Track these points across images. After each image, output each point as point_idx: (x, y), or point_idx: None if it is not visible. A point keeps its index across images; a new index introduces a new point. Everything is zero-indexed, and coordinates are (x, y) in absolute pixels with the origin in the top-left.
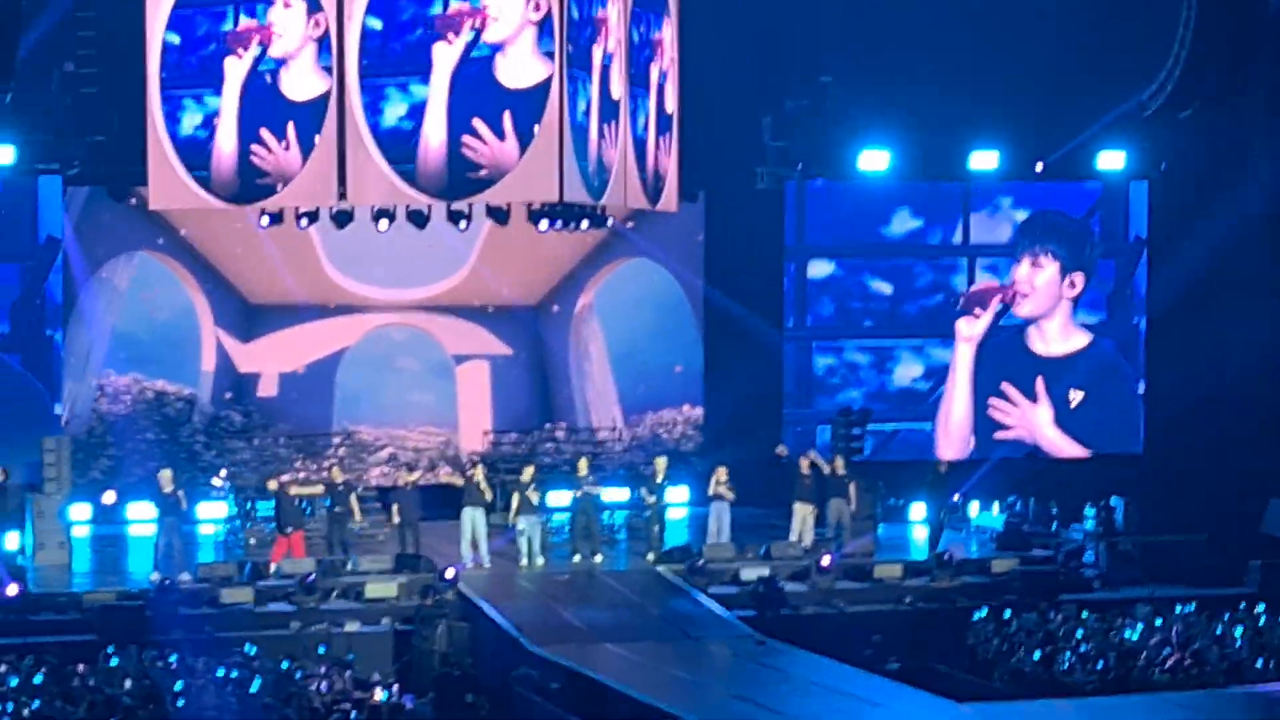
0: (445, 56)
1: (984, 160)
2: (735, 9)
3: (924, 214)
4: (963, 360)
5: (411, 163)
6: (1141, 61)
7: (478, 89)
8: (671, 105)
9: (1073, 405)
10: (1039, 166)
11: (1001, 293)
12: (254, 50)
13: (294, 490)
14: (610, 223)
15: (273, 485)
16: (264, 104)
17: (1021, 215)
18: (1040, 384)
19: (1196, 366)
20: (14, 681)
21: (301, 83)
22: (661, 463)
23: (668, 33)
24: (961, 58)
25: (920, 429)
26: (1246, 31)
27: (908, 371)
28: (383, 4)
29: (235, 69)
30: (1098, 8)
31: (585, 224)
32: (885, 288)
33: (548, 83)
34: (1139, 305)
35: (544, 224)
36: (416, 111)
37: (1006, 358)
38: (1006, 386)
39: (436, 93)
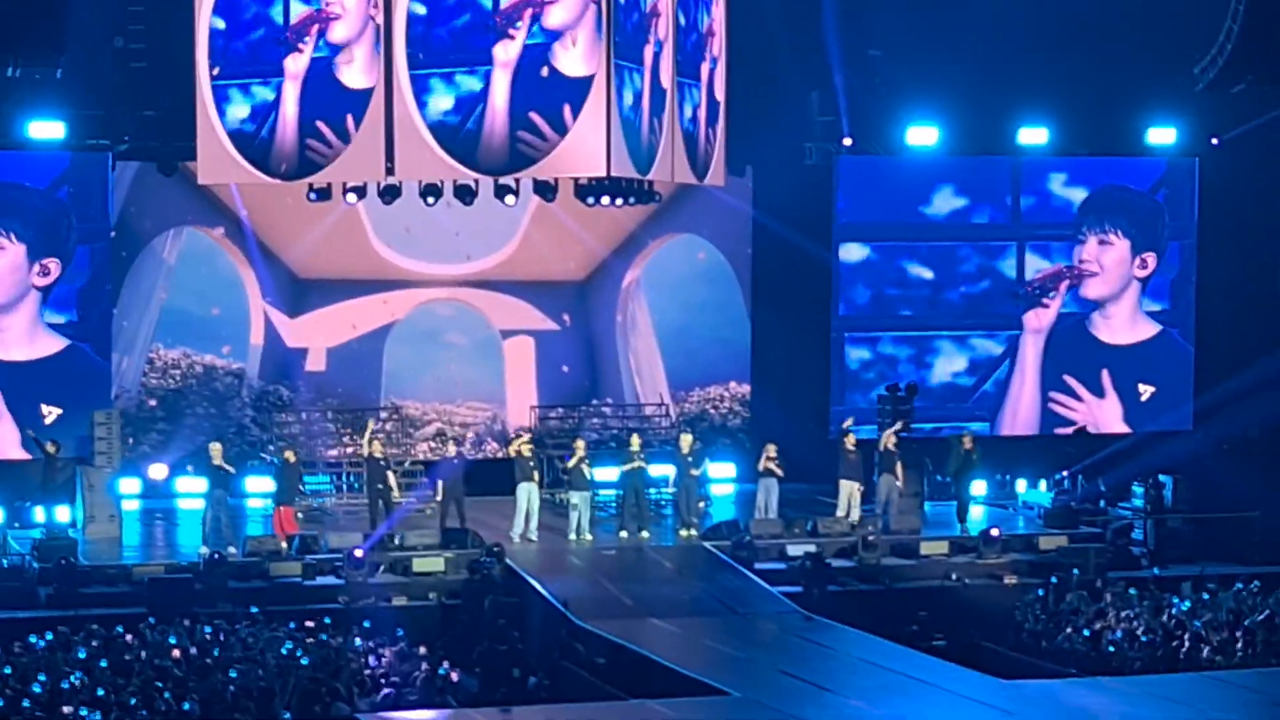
0: (505, 51)
1: (1033, 136)
2: None
3: (969, 192)
4: (1031, 355)
5: (460, 141)
6: (1194, 35)
7: (535, 81)
8: (720, 94)
9: (1143, 399)
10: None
11: (1069, 275)
12: (313, 40)
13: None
14: (658, 198)
15: (290, 456)
16: (323, 96)
17: (1078, 194)
18: (1107, 378)
19: (1247, 341)
20: (68, 654)
21: (362, 72)
22: (687, 440)
23: (717, 13)
24: (1010, 32)
25: (963, 430)
26: None
27: (949, 365)
28: None
29: (295, 64)
30: None
31: (632, 199)
32: (926, 273)
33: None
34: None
35: (591, 199)
36: (464, 104)
37: (1069, 348)
38: (1070, 380)
39: (496, 86)
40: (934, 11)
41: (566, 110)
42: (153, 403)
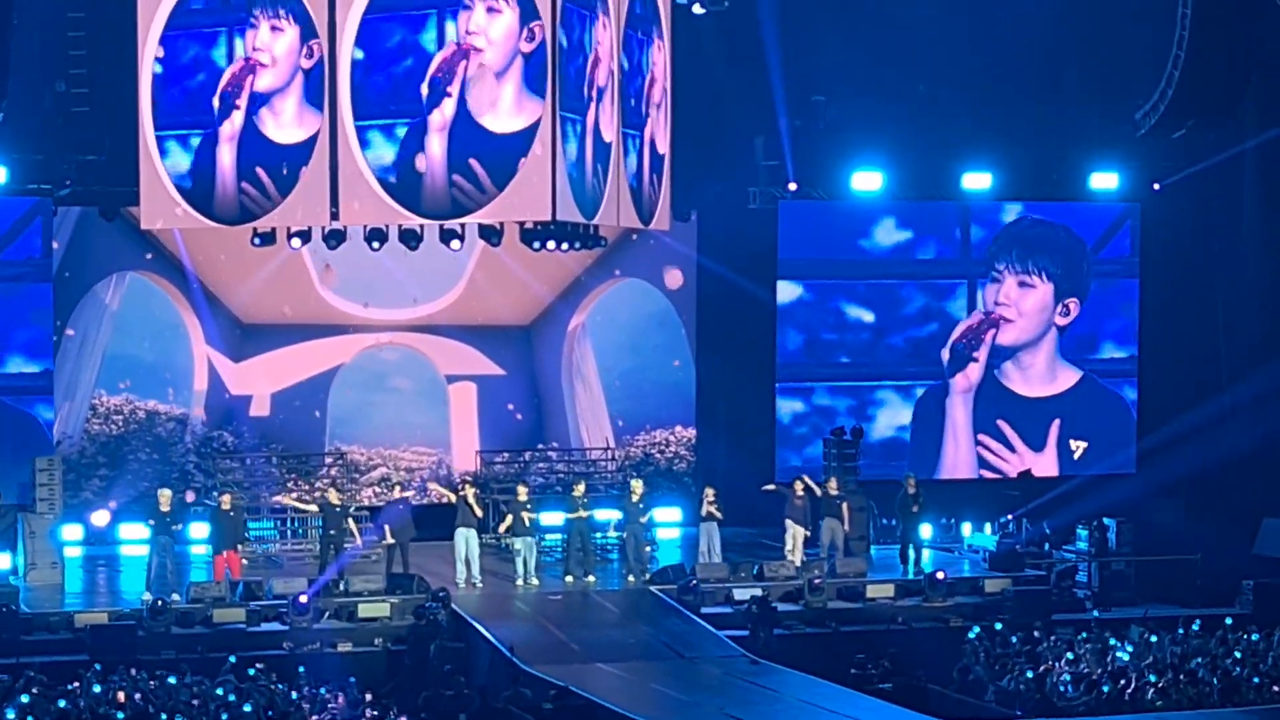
0: (441, 112)
1: (977, 181)
2: (728, 27)
3: (913, 225)
4: (962, 417)
5: (404, 186)
6: (1136, 81)
7: (472, 131)
8: (663, 147)
9: (1076, 457)
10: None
11: (988, 322)
12: (246, 93)
13: (289, 503)
14: (603, 242)
15: (225, 503)
16: (255, 149)
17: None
18: (1054, 430)
19: (1189, 385)
20: (8, 703)
21: (292, 124)
22: (638, 485)
23: (659, 58)
24: (954, 77)
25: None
26: (1239, 51)
27: (893, 418)
28: (371, 31)
29: (230, 125)
30: (1090, 28)
31: (578, 243)
32: (866, 315)
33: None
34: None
35: (537, 244)
36: (405, 150)
37: (986, 399)
38: (1005, 426)
39: (433, 137)
40: (878, 57)
41: (502, 160)
42: (94, 449)
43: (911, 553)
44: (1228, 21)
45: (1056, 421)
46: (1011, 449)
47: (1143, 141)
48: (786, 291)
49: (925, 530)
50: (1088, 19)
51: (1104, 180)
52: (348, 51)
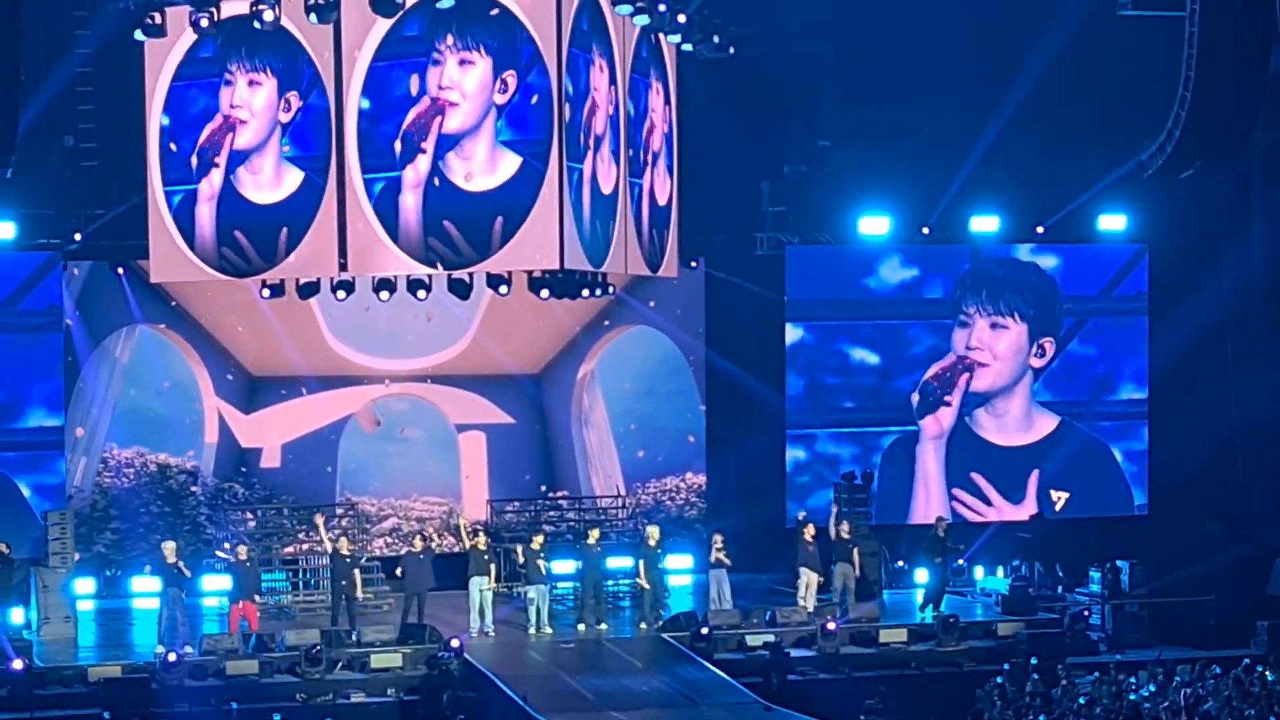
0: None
1: (984, 224)
2: (733, 74)
3: (918, 262)
4: (933, 466)
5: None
6: (1142, 122)
7: (447, 192)
8: (662, 194)
9: (1058, 508)
10: (1039, 230)
11: (962, 366)
12: (226, 151)
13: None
14: (611, 290)
15: (242, 554)
16: (234, 209)
17: (1048, 261)
18: (1034, 480)
19: (1200, 428)
20: None
21: (268, 186)
22: (654, 531)
23: (658, 102)
24: (960, 120)
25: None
26: (1246, 92)
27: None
28: (378, 79)
29: (212, 179)
30: (1097, 70)
31: (586, 292)
32: (871, 357)
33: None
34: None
35: (545, 292)
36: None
37: (959, 449)
38: (979, 479)
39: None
40: (884, 102)
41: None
42: (106, 503)
43: (927, 594)
44: (1233, 62)
45: (1035, 472)
46: (987, 503)
47: (1150, 182)
48: (791, 335)
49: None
50: (1094, 61)
51: (1112, 222)
52: (355, 100)
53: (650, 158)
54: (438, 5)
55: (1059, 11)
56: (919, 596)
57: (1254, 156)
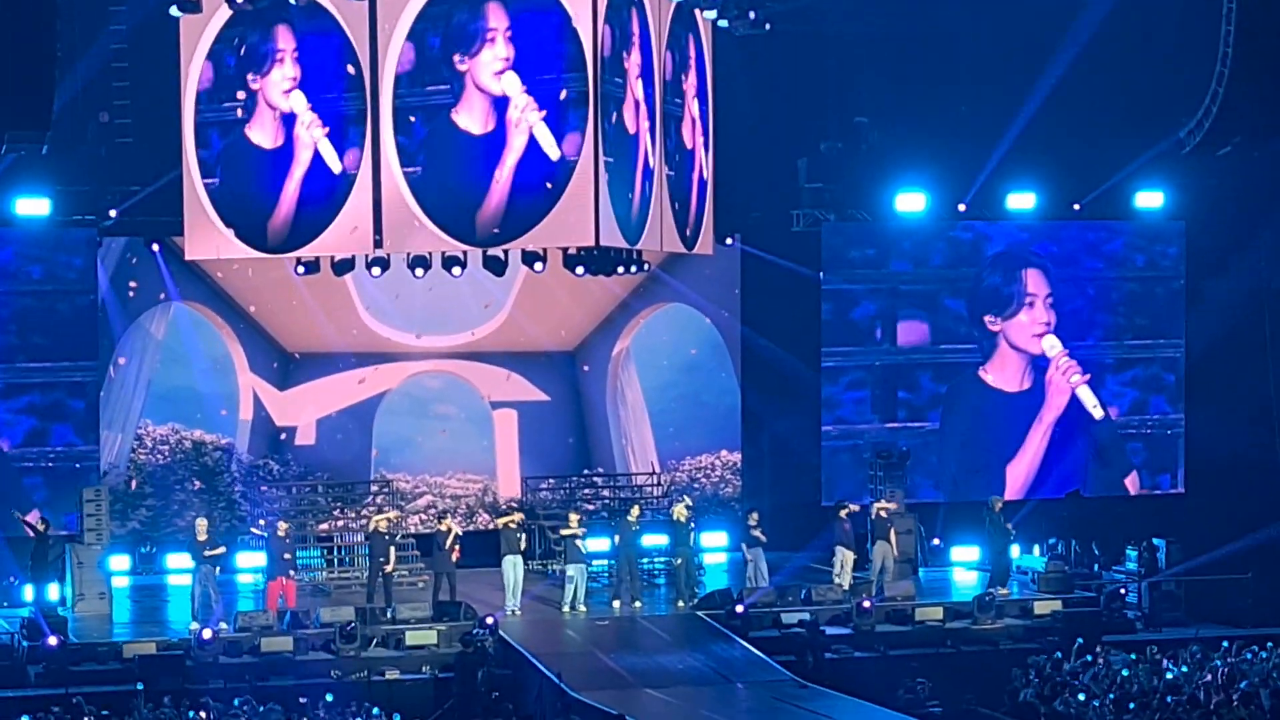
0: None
1: (1021, 201)
2: (770, 51)
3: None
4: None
5: (448, 211)
6: (1179, 99)
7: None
8: (704, 171)
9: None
10: (1076, 207)
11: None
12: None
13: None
14: (647, 267)
15: (281, 530)
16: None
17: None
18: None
19: (1237, 405)
20: None
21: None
22: (680, 509)
23: (693, 80)
24: (997, 97)
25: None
26: None
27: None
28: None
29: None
30: (1134, 47)
31: (621, 269)
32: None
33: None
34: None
35: (580, 269)
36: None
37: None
38: None
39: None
40: (921, 79)
41: (550, 186)
42: (141, 479)
43: (993, 573)
44: (1272, 39)
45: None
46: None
47: (1188, 159)
48: (830, 314)
49: (972, 553)
50: (1131, 37)
51: (1149, 199)
52: (390, 76)
53: (687, 136)
54: None
55: None
56: (956, 575)
57: None
